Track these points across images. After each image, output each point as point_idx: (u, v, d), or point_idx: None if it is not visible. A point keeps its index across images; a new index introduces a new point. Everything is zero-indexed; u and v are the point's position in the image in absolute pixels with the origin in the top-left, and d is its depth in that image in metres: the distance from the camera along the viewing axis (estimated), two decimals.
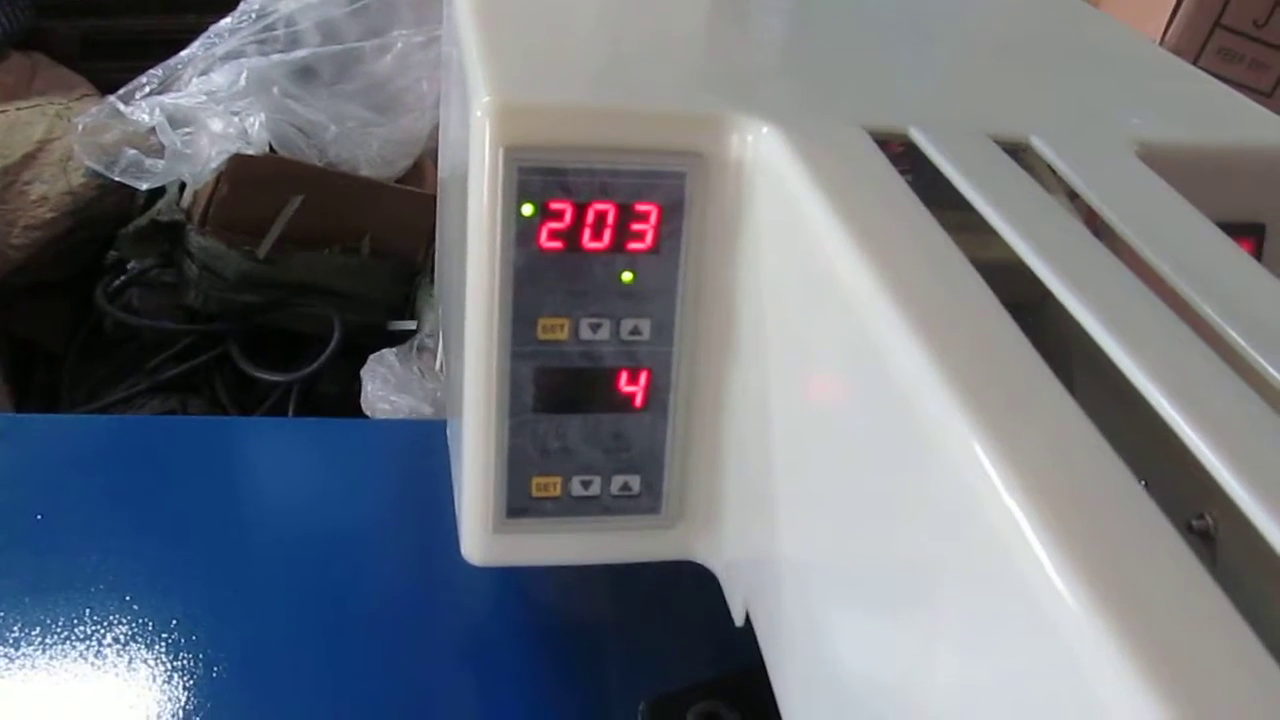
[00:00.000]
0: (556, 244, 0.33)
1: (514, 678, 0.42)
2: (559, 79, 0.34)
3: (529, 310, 0.33)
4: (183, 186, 1.81)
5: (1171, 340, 0.25)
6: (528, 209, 0.32)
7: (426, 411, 1.62)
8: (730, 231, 0.33)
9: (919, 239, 0.28)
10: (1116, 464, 0.21)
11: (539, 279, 0.33)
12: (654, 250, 0.33)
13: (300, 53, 1.71)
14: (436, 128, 1.91)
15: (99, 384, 1.93)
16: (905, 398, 0.24)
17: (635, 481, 0.35)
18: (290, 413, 1.75)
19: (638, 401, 0.35)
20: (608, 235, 0.33)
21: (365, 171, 1.81)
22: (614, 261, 0.33)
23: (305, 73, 1.80)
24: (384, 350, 1.69)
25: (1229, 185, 0.35)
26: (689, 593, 0.38)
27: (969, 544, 0.21)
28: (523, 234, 0.32)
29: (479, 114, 0.32)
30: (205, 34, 1.77)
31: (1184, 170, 0.34)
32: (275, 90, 1.72)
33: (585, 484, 0.35)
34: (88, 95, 2.02)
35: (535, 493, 0.35)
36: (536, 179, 0.32)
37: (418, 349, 1.70)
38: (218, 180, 1.71)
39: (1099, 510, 0.20)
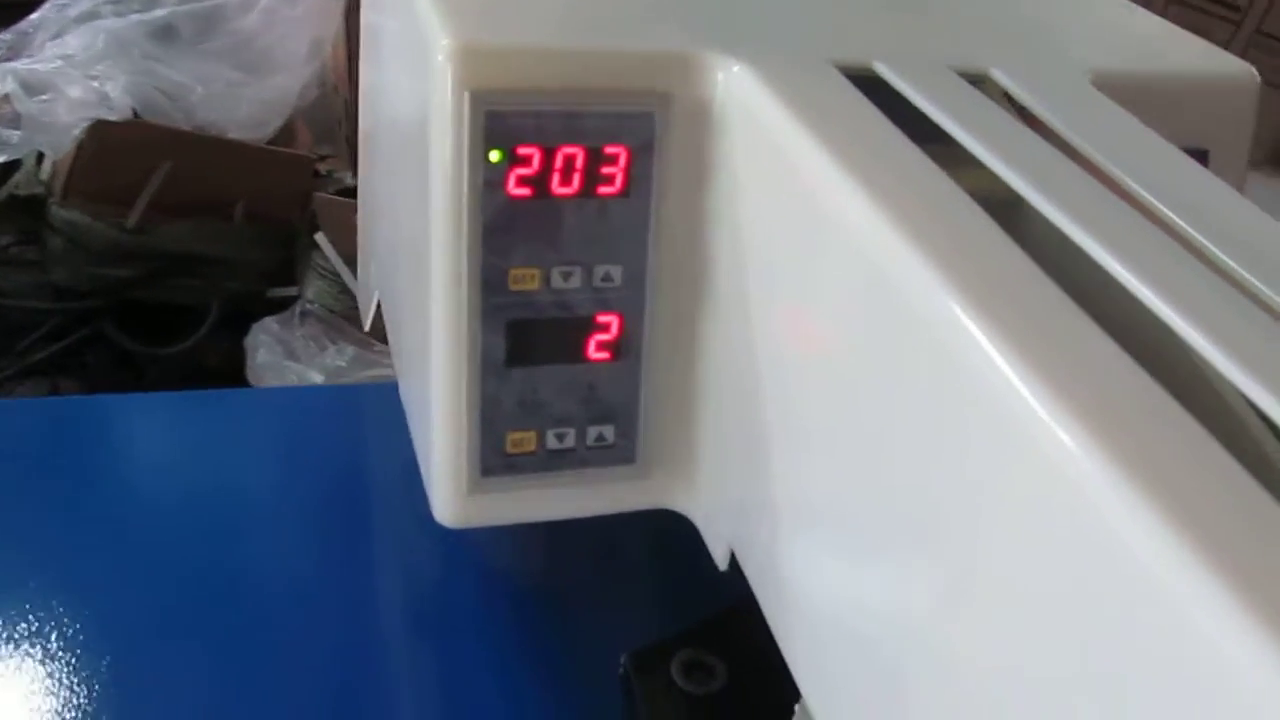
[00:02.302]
0: (525, 190, 0.32)
1: (484, 642, 0.41)
2: (520, 20, 0.33)
3: (499, 261, 0.32)
4: (40, 158, 1.72)
5: (1147, 241, 0.25)
6: (495, 155, 0.31)
7: (316, 379, 1.58)
8: (703, 173, 0.32)
9: (910, 169, 0.27)
10: (1142, 376, 0.21)
11: (509, 228, 0.32)
12: (624, 194, 0.32)
13: (160, 11, 1.64)
14: (307, 86, 1.86)
15: None
16: (925, 326, 0.24)
17: (610, 432, 0.35)
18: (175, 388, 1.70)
19: (611, 350, 0.34)
20: (577, 180, 0.32)
21: (235, 134, 1.75)
22: (584, 206, 0.32)
23: (166, 32, 1.73)
24: (267, 318, 1.65)
25: (1176, 112, 0.36)
26: (663, 543, 0.37)
27: (1009, 465, 0.21)
28: (490, 181, 0.31)
29: (440, 58, 0.31)
30: None
31: (1135, 98, 0.34)
32: (136, 52, 1.65)
33: (560, 437, 0.34)
34: None
35: (510, 449, 0.34)
36: (504, 123, 0.31)
37: (301, 315, 1.66)
38: (79, 149, 1.64)
39: (1140, 421, 0.20)
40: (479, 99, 0.30)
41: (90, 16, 1.63)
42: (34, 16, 1.64)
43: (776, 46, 0.33)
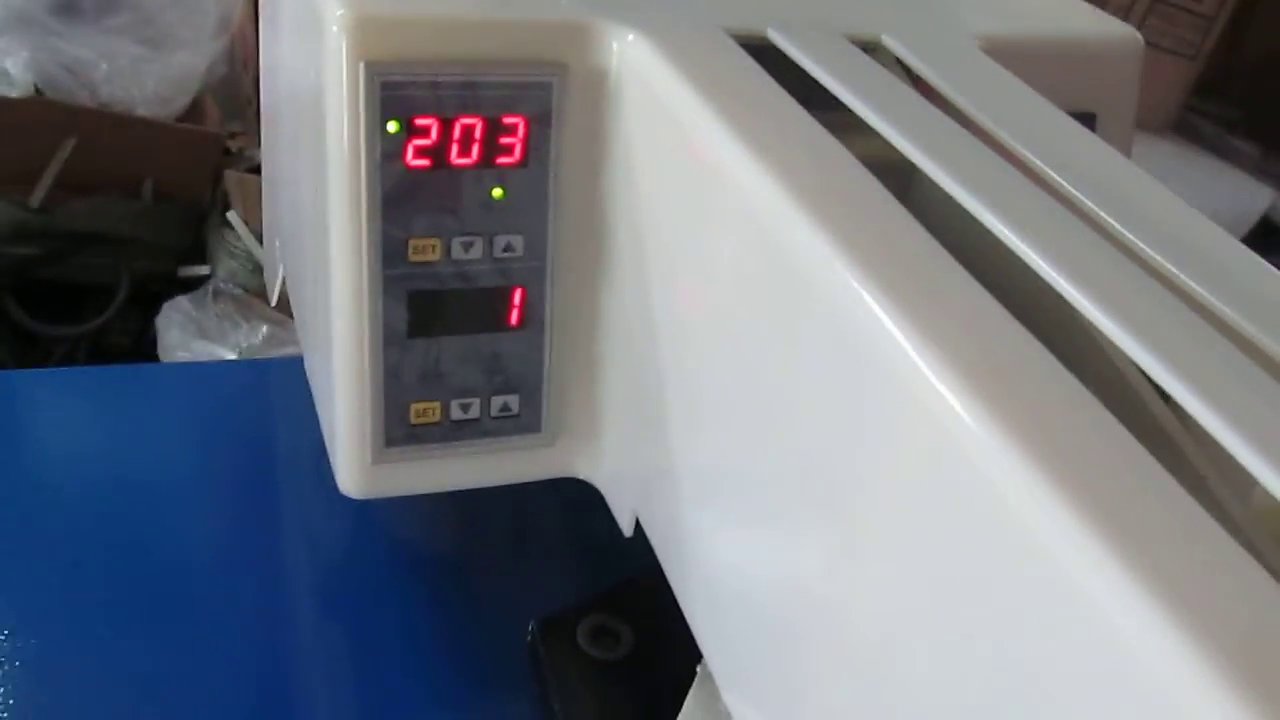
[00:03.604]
0: (424, 161, 0.32)
1: (393, 612, 0.41)
2: None
3: (398, 232, 0.32)
4: None
5: (1031, 203, 0.26)
6: (393, 126, 0.31)
7: (227, 357, 1.56)
8: (601, 142, 0.33)
9: (802, 135, 0.28)
10: (1024, 334, 0.22)
11: (408, 199, 0.32)
12: (523, 164, 0.33)
13: None
14: (215, 62, 1.82)
15: None
16: (816, 291, 0.24)
17: (515, 401, 0.35)
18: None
19: (514, 320, 0.34)
20: (476, 150, 0.32)
21: (142, 111, 1.71)
22: (483, 177, 0.32)
23: (68, 8, 1.69)
24: (178, 297, 1.62)
25: (1063, 76, 0.37)
26: (571, 512, 0.38)
27: (896, 425, 0.22)
28: (388, 153, 0.31)
29: (334, 29, 0.30)
30: None
31: (1022, 62, 0.35)
32: (37, 27, 1.61)
33: (465, 407, 0.35)
34: None
35: (414, 419, 0.34)
36: (400, 94, 0.31)
37: (214, 294, 1.63)
38: None
39: (1021, 379, 0.21)
40: (374, 70, 0.30)
41: None
42: None
43: (671, 14, 0.33)
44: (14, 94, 1.56)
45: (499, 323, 0.34)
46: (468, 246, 0.33)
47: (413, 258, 0.32)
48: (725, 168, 0.27)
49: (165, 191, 1.79)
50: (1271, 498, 0.19)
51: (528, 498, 0.39)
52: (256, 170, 1.74)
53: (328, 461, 0.36)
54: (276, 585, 0.43)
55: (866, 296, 0.22)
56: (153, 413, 0.52)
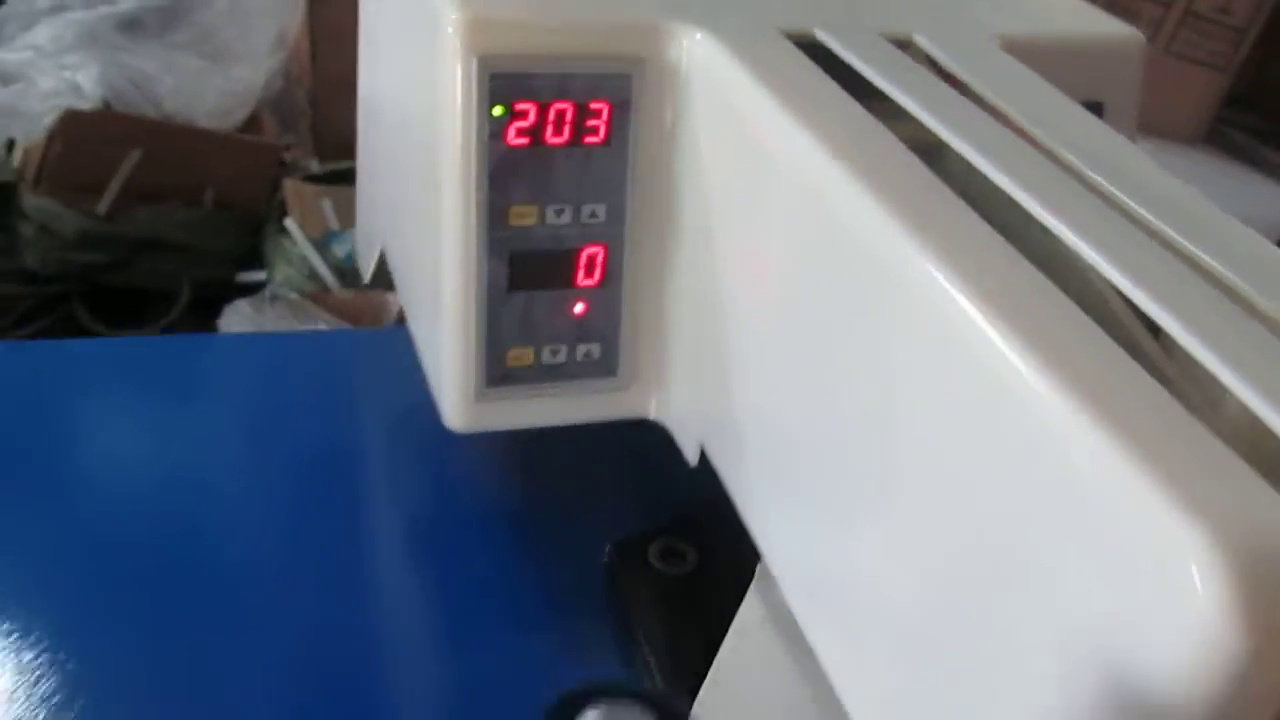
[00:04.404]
0: (523, 140, 0.38)
1: (485, 547, 0.47)
2: None
3: (501, 201, 0.38)
4: (10, 147, 1.75)
5: (1044, 174, 0.31)
6: (497, 110, 0.37)
7: None
8: (672, 123, 0.38)
9: (847, 117, 0.34)
10: (1032, 270, 0.27)
11: (509, 172, 0.38)
12: (606, 143, 0.38)
13: (126, 4, 1.68)
14: (272, 77, 1.89)
15: None
16: (858, 242, 0.30)
17: (596, 349, 0.41)
18: None
19: (596, 278, 0.40)
20: (567, 131, 0.38)
21: (203, 123, 1.78)
22: (573, 154, 0.38)
23: (133, 24, 1.76)
24: (239, 300, 1.69)
25: (1072, 70, 0.42)
26: (641, 450, 0.43)
27: (929, 348, 0.27)
28: (493, 133, 0.37)
29: (450, 30, 0.36)
30: None
31: (1038, 58, 0.40)
32: (104, 43, 1.69)
33: (554, 353, 0.40)
34: None
35: (510, 363, 0.40)
36: (504, 83, 0.37)
37: (271, 298, 1.70)
38: (50, 138, 1.67)
39: (1030, 302, 0.26)
40: (484, 63, 0.36)
41: (59, 9, 1.66)
42: (5, 8, 1.67)
43: (731, 16, 0.39)
44: (84, 106, 1.64)
45: (584, 280, 0.40)
46: (559, 213, 0.39)
47: (513, 222, 0.38)
48: (779, 143, 0.33)
49: (224, 200, 1.86)
50: (1242, 408, 0.24)
51: (595, 442, 0.44)
52: (312, 179, 1.81)
53: (411, 419, 0.41)
54: (371, 526, 0.49)
55: (902, 240, 0.28)
56: (223, 380, 0.57)
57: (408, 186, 0.44)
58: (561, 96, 0.37)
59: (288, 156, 1.92)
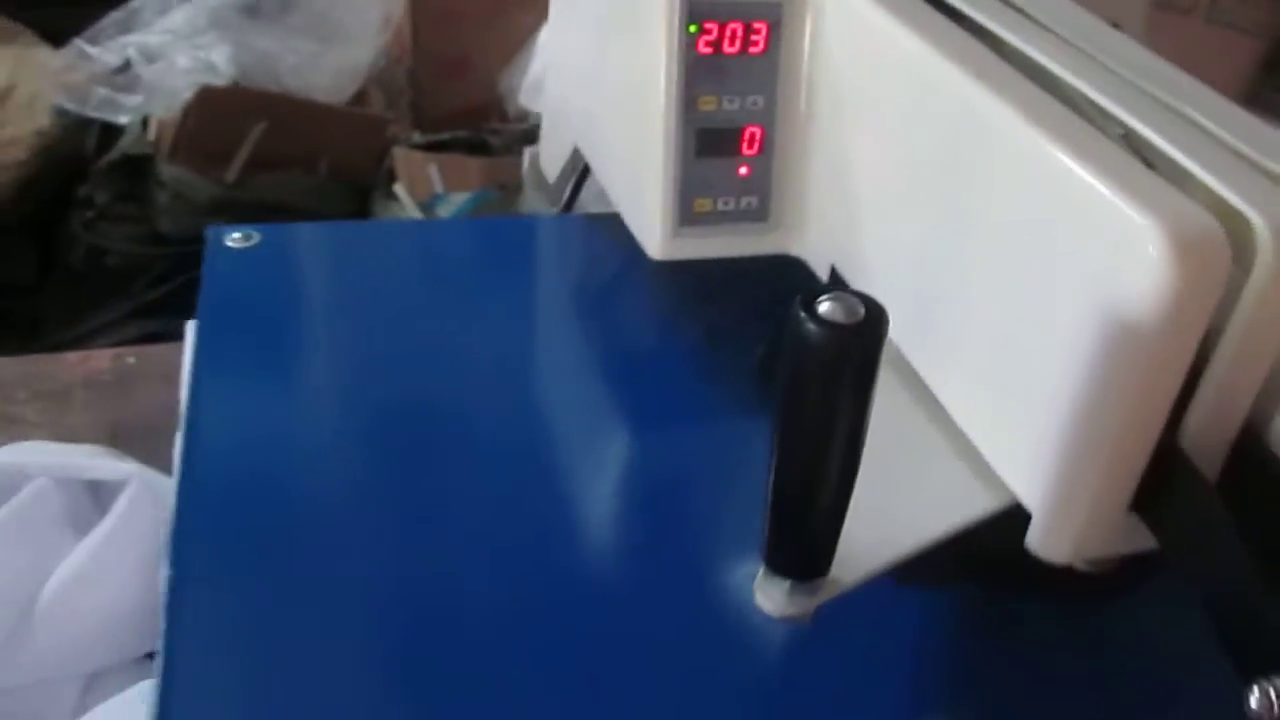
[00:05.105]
0: (709, 50, 0.54)
1: (652, 363, 0.63)
2: None
3: (693, 92, 0.55)
4: (144, 123, 1.94)
5: (1069, 57, 0.48)
6: (692, 28, 0.54)
7: None
8: (811, 38, 0.55)
9: (938, 27, 0.50)
10: (1054, 101, 0.44)
11: (698, 71, 0.54)
12: (765, 52, 0.55)
13: None
14: (377, 56, 2.07)
15: (76, 315, 2.05)
16: (951, 99, 0.46)
17: (754, 201, 0.57)
18: None
19: (756, 149, 0.56)
20: (738, 43, 0.54)
21: (319, 98, 1.97)
22: (741, 59, 0.55)
23: (253, 9, 1.95)
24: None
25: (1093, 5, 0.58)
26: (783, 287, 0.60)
27: (1002, 161, 0.44)
28: (688, 45, 0.54)
29: None
30: None
31: None
32: (231, 25, 1.87)
33: (725, 203, 0.57)
34: (33, 44, 2.11)
35: (696, 210, 0.57)
36: (697, 8, 0.53)
37: None
38: (185, 112, 1.86)
39: (1056, 120, 0.42)
40: None
41: None
42: None
43: None
44: (218, 82, 1.83)
45: (746, 150, 0.56)
46: (730, 101, 0.55)
47: (700, 108, 0.55)
48: (893, 45, 0.49)
49: (338, 168, 2.04)
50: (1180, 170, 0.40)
51: (737, 295, 0.61)
52: (416, 149, 1.98)
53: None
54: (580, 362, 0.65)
55: (985, 100, 0.44)
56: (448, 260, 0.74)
57: (609, 91, 0.61)
58: (734, 18, 0.54)
59: (391, 130, 2.10)
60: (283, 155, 1.98)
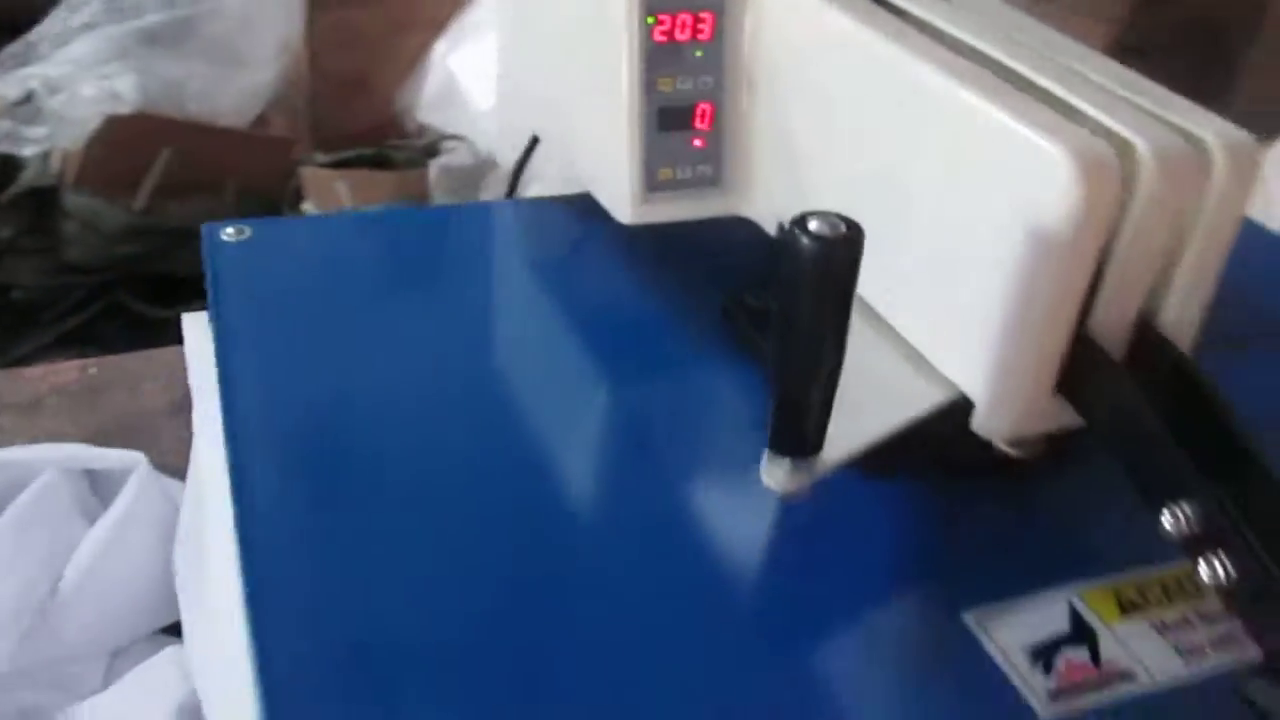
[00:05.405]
0: (664, 38, 0.63)
1: (625, 310, 0.72)
2: None
3: (653, 75, 0.63)
4: (46, 155, 1.95)
5: (972, 28, 0.57)
6: (650, 19, 0.62)
7: None
8: (753, 25, 0.64)
9: (863, 8, 0.59)
10: (962, 60, 0.53)
11: (656, 57, 0.63)
12: (712, 40, 0.64)
13: (151, 17, 1.89)
14: (276, 79, 2.11)
15: None
16: (886, 70, 0.55)
17: (708, 169, 0.66)
18: None
19: (710, 123, 0.65)
20: (689, 31, 0.63)
21: (225, 122, 2.00)
22: (693, 45, 0.63)
23: (154, 37, 1.98)
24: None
25: None
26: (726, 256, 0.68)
27: (931, 119, 0.53)
28: (647, 33, 0.62)
29: None
30: (57, 9, 1.92)
31: None
32: (133, 54, 1.90)
33: (683, 171, 0.65)
34: None
35: (660, 178, 0.65)
36: (653, 2, 0.62)
37: None
38: (90, 141, 1.88)
39: (966, 74, 0.52)
40: None
41: (90, 26, 1.87)
42: (38, 29, 1.88)
43: None
44: (123, 110, 1.85)
45: (699, 124, 0.65)
46: (684, 82, 0.64)
47: (659, 89, 0.63)
48: (823, 27, 0.58)
49: (244, 191, 2.07)
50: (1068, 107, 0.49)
51: (700, 258, 0.70)
52: (323, 166, 2.03)
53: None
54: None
55: (916, 63, 0.53)
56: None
57: (572, 77, 0.69)
58: (684, 9, 0.63)
59: (294, 151, 2.14)
60: (190, 180, 2.01)
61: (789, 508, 0.55)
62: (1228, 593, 0.46)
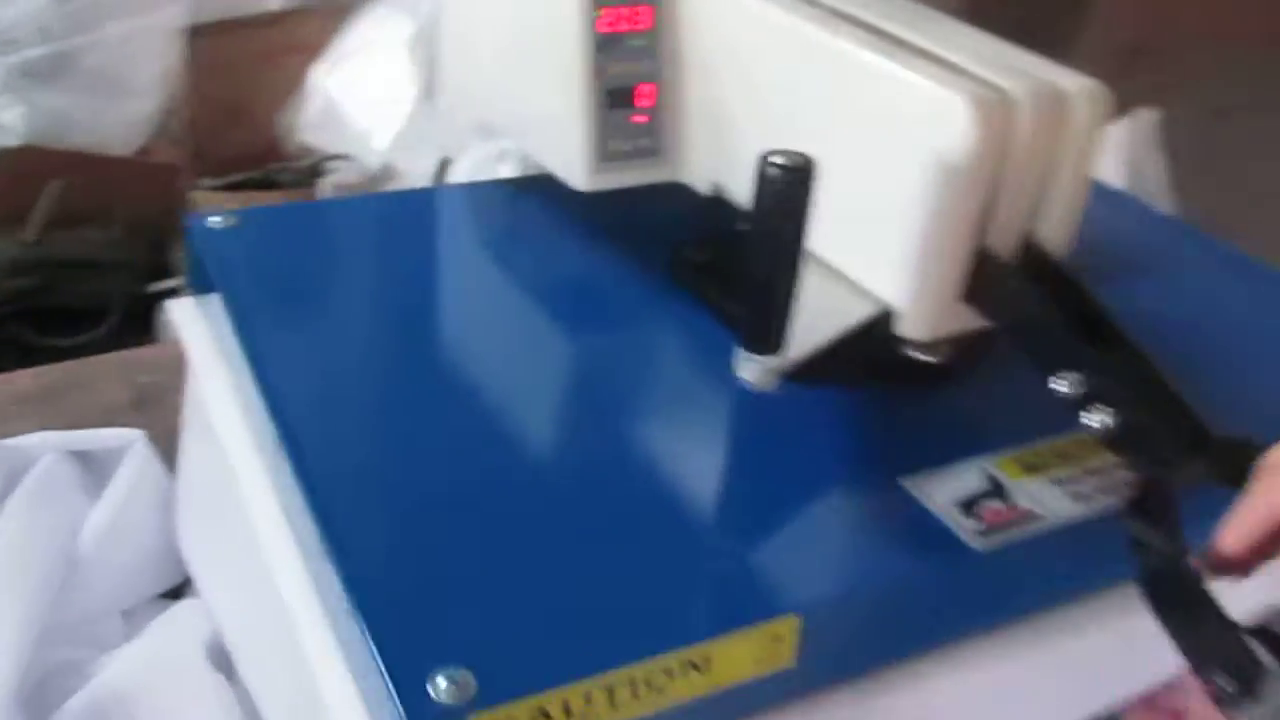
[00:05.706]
0: (609, 28, 0.73)
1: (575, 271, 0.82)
2: None
3: (601, 61, 0.73)
4: None
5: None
6: (596, 11, 0.72)
7: None
8: (684, 13, 0.75)
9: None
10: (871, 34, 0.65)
11: (603, 45, 0.73)
12: (651, 30, 0.74)
13: (27, 53, 1.91)
14: (159, 108, 2.14)
15: None
16: (809, 45, 0.67)
17: (649, 142, 0.77)
18: None
19: (650, 101, 0.76)
20: (629, 23, 0.74)
21: (114, 152, 2.03)
22: (634, 34, 0.74)
23: (33, 70, 2.00)
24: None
25: None
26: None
27: (846, 84, 0.64)
28: (594, 23, 0.73)
29: None
30: None
31: None
32: (16, 86, 1.92)
33: (628, 143, 0.76)
34: None
35: (610, 148, 0.75)
36: None
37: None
38: None
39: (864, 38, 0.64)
40: None
41: None
42: None
43: None
44: (11, 143, 1.87)
45: (641, 102, 0.76)
46: (629, 64, 0.74)
47: (609, 71, 0.74)
48: (750, 8, 0.70)
49: (133, 220, 2.10)
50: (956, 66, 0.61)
51: (645, 227, 0.80)
52: (213, 190, 2.07)
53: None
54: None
55: (828, 36, 0.65)
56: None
57: (522, 64, 0.79)
58: (625, 3, 0.73)
59: (180, 178, 2.18)
60: (79, 211, 2.03)
61: (744, 413, 0.66)
62: (1108, 437, 0.58)
